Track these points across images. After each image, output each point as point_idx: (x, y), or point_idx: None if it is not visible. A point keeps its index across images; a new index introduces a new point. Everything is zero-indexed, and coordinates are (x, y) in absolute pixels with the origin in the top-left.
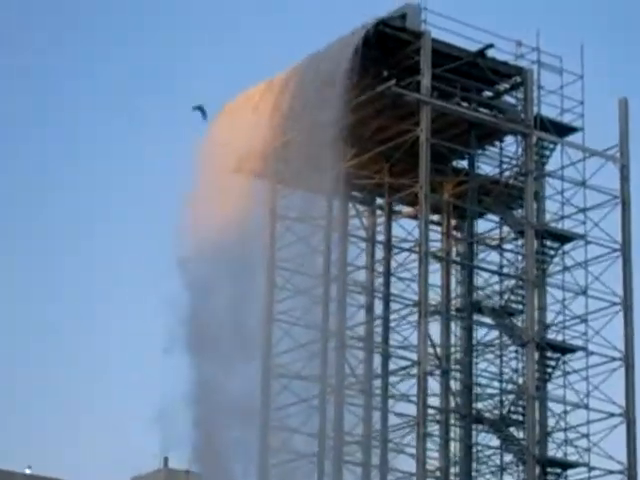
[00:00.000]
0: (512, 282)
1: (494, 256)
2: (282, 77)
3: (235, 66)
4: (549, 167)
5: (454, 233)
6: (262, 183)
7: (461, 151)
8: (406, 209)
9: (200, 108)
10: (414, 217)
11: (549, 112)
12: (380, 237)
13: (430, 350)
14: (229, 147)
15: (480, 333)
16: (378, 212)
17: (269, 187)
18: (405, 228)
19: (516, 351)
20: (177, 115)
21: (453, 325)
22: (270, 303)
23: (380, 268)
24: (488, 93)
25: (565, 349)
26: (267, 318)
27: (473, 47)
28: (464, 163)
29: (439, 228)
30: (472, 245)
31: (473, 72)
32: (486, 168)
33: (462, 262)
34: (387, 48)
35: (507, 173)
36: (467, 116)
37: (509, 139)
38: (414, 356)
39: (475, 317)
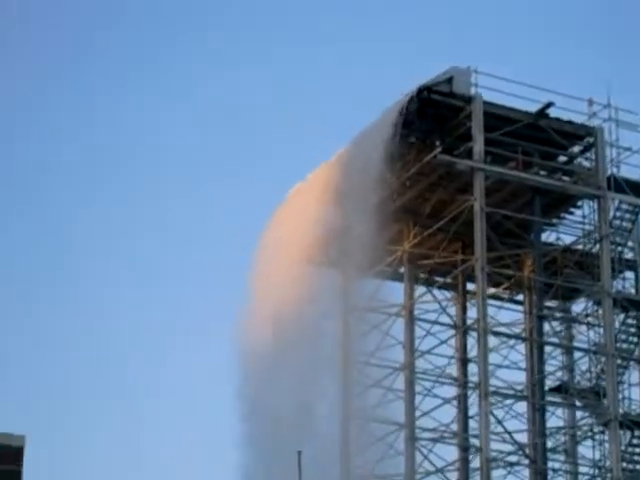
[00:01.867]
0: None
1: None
2: (333, 160)
3: (302, 145)
4: None
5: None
6: (330, 272)
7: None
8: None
9: None
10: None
11: (631, 174)
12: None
13: (507, 437)
14: (294, 235)
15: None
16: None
17: (338, 276)
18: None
19: (602, 432)
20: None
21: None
22: (348, 399)
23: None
24: (563, 158)
25: None
26: (345, 416)
27: (532, 109)
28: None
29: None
30: (541, 320)
31: (537, 135)
32: (567, 239)
33: (528, 338)
34: (438, 116)
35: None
36: (529, 182)
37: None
38: (502, 446)
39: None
